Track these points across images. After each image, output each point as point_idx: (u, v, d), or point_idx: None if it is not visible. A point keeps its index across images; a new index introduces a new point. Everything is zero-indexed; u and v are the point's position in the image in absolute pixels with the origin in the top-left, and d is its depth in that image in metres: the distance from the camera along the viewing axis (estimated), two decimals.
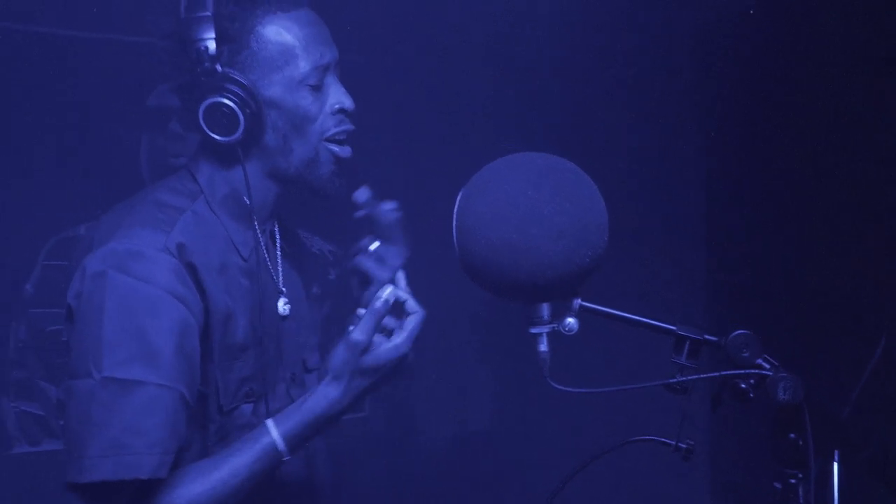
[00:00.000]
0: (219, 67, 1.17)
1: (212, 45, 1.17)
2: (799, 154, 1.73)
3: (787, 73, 1.76)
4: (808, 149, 1.72)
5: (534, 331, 1.07)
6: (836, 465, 1.00)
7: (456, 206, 1.05)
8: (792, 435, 0.94)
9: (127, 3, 2.05)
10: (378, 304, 1.19)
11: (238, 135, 1.19)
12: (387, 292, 1.20)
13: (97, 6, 2.07)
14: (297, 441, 1.20)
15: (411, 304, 1.25)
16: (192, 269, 1.18)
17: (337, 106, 1.27)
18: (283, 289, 1.35)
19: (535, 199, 1.00)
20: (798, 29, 1.69)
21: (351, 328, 1.20)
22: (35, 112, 2.09)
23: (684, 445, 1.04)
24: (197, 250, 1.19)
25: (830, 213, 1.67)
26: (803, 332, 1.61)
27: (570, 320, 1.06)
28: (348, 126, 1.29)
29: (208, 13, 1.17)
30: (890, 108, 1.54)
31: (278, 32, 1.21)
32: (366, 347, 1.19)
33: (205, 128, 1.19)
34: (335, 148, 1.28)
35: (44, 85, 2.08)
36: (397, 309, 1.26)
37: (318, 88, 1.24)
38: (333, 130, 1.27)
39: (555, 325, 1.07)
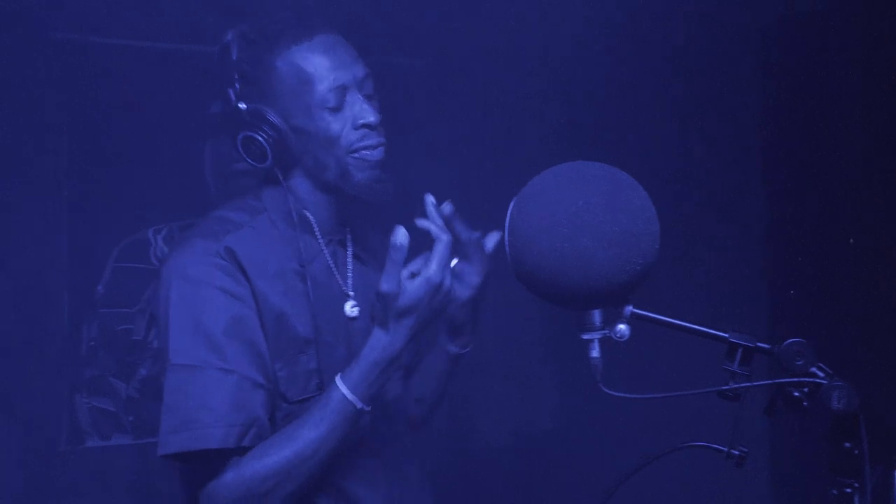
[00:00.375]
0: (243, 105, 1.35)
1: (237, 87, 1.35)
2: (861, 154, 1.70)
3: (849, 73, 1.73)
4: (870, 149, 1.68)
5: (585, 337, 1.08)
6: None
7: (508, 216, 1.07)
8: (847, 444, 0.94)
9: (192, 15, 2.12)
10: (393, 252, 1.25)
11: (269, 162, 1.35)
12: (399, 236, 1.25)
13: (166, 18, 2.14)
14: (364, 389, 1.28)
15: (434, 230, 1.32)
16: (241, 269, 1.32)
17: (360, 122, 1.36)
18: (351, 293, 1.45)
19: (586, 209, 1.01)
20: (862, 29, 1.66)
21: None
22: (106, 120, 2.17)
23: (737, 452, 1.04)
24: (247, 256, 1.33)
25: (892, 216, 1.63)
26: (861, 338, 1.58)
27: (622, 326, 1.07)
28: (373, 139, 1.38)
29: (234, 58, 1.36)
30: None
31: (292, 64, 1.34)
32: (396, 294, 1.26)
33: (244, 156, 1.36)
34: (365, 154, 1.37)
35: (115, 94, 2.16)
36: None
37: (337, 109, 1.35)
38: (357, 144, 1.37)
39: (606, 332, 1.08)
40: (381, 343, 1.28)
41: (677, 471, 1.22)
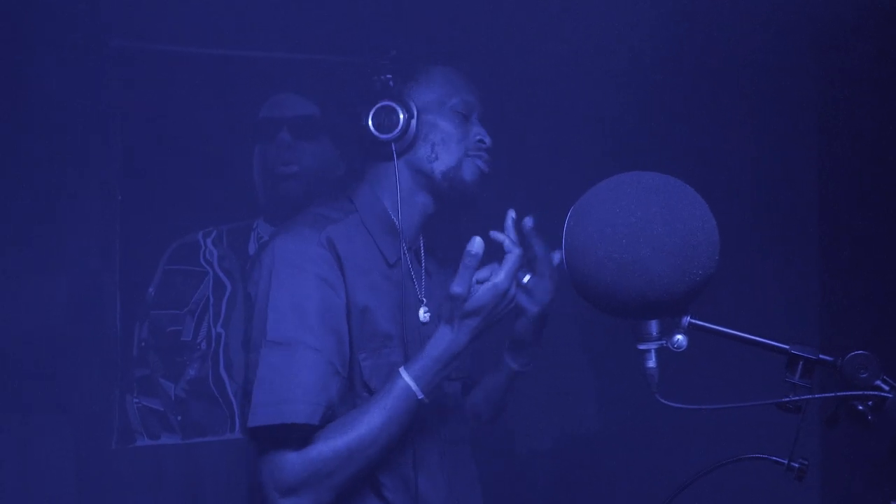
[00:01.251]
0: (391, 83, 1.51)
1: (388, 77, 1.52)
2: None
3: None
4: None
5: (642, 347, 1.08)
6: None
7: (565, 226, 1.08)
8: None
9: (245, 21, 2.15)
10: (468, 259, 1.35)
11: (397, 132, 1.49)
12: (475, 245, 1.35)
13: (219, 24, 2.17)
14: (427, 380, 1.37)
15: (507, 243, 1.47)
16: (338, 259, 1.42)
17: (478, 137, 1.55)
18: (424, 299, 1.55)
19: (644, 219, 1.01)
20: None
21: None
22: (158, 125, 2.21)
23: (797, 465, 1.03)
24: (344, 248, 1.44)
25: None
26: None
27: (679, 337, 1.07)
28: (486, 154, 1.56)
29: (395, 53, 1.53)
30: None
31: (442, 73, 1.56)
32: (465, 296, 1.36)
33: (371, 127, 1.49)
34: (478, 161, 1.54)
35: (166, 99, 2.20)
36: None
37: (465, 118, 1.54)
38: (474, 151, 1.54)
39: (663, 342, 1.08)
40: (445, 340, 1.37)
41: (722, 482, 1.21)
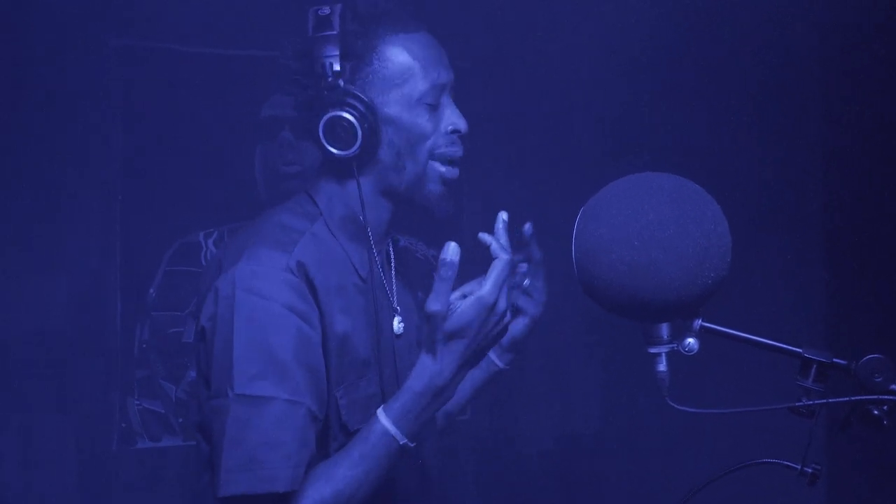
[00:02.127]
0: (341, 83, 1.20)
1: (336, 63, 1.20)
2: None
3: None
4: None
5: (652, 350, 1.07)
6: None
7: (575, 227, 1.06)
8: None
9: (245, 21, 2.13)
10: (443, 269, 1.13)
11: (355, 149, 1.22)
12: (449, 251, 1.14)
13: (220, 24, 2.16)
14: (409, 422, 1.16)
15: (495, 247, 1.20)
16: (311, 287, 1.21)
17: (451, 127, 1.29)
18: (398, 307, 1.36)
19: (656, 221, 1.00)
20: None
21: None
22: (159, 125, 2.20)
23: (810, 470, 1.02)
24: (316, 270, 1.22)
25: None
26: None
27: (691, 340, 1.06)
28: (458, 149, 1.30)
29: (335, 32, 1.21)
30: None
31: (399, 52, 1.25)
32: (445, 314, 1.14)
33: (324, 142, 1.22)
34: (442, 168, 1.29)
35: (168, 99, 2.18)
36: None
37: (434, 108, 1.27)
38: (443, 149, 1.29)
39: (674, 345, 1.06)
40: (427, 371, 1.15)
41: (727, 485, 1.20)
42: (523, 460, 2.46)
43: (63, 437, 2.14)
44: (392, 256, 1.40)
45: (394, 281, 1.38)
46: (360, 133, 1.21)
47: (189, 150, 2.21)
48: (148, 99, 2.19)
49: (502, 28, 2.15)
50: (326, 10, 1.22)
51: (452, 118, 1.29)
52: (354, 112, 1.20)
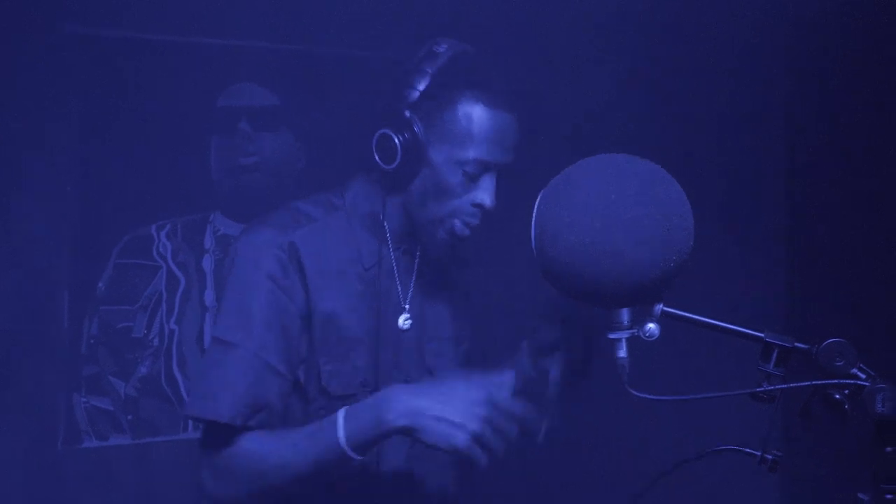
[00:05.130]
0: (407, 113, 1.36)
1: (416, 95, 1.36)
2: (887, 149, 1.66)
3: (877, 66, 1.70)
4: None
5: (612, 336, 1.05)
6: None
7: (535, 209, 1.04)
8: (889, 449, 0.90)
9: (200, 8, 2.09)
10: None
11: (390, 168, 1.38)
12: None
13: (173, 10, 2.10)
14: (365, 440, 1.27)
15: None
16: (299, 266, 1.38)
17: (478, 201, 1.39)
18: (407, 305, 1.48)
19: (618, 202, 0.98)
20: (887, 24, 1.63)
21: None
22: (111, 115, 2.13)
23: (770, 457, 1.00)
24: (309, 253, 1.39)
25: None
26: (886, 339, 1.55)
27: (651, 326, 1.04)
28: (476, 220, 1.42)
29: (431, 71, 1.37)
30: None
31: (469, 117, 1.36)
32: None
33: (372, 147, 1.39)
34: (458, 225, 1.41)
35: (120, 88, 2.12)
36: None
37: (472, 178, 1.38)
38: (464, 216, 1.40)
39: (635, 331, 1.04)
40: (407, 408, 1.25)
41: (686, 473, 1.18)
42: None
43: (6, 436, 2.06)
44: (417, 259, 1.50)
45: (413, 278, 1.49)
46: (398, 158, 1.37)
47: (143, 141, 2.15)
48: (100, 88, 2.13)
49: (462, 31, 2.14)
50: (441, 48, 1.38)
51: (483, 194, 1.39)
52: (403, 139, 1.37)
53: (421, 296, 1.51)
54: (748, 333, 1.00)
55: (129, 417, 2.20)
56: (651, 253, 0.97)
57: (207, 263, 2.28)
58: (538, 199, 1.03)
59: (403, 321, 1.48)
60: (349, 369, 1.41)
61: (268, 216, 1.45)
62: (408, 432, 1.25)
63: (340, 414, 1.28)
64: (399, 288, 1.49)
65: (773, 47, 1.99)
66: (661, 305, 1.03)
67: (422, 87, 1.36)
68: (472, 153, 1.36)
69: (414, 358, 1.49)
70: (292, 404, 1.40)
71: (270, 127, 2.26)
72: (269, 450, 1.32)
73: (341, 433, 1.26)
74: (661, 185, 1.00)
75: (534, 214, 1.02)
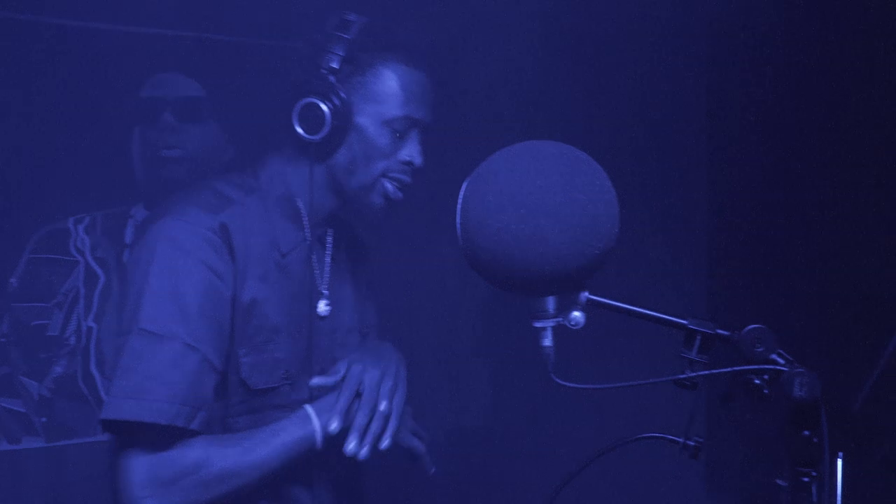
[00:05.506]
0: (332, 79, 1.35)
1: (336, 62, 1.35)
2: (806, 144, 1.71)
3: (794, 65, 1.74)
4: (816, 138, 1.69)
5: (538, 325, 1.04)
6: (839, 462, 0.97)
7: (460, 195, 1.02)
8: (806, 432, 0.91)
9: None
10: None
11: (318, 137, 1.34)
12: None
13: None
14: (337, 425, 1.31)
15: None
16: (230, 249, 1.31)
17: (407, 158, 1.41)
18: (326, 291, 1.45)
19: (543, 188, 0.97)
20: (807, 22, 1.67)
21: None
22: (26, 104, 2.05)
23: (692, 443, 1.01)
24: (238, 235, 1.32)
25: (842, 202, 1.64)
26: (811, 326, 1.59)
27: (577, 314, 1.03)
28: (408, 178, 1.43)
29: (348, 37, 1.36)
30: None
31: (392, 77, 1.38)
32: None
33: (295, 121, 1.34)
34: (390, 187, 1.41)
35: (35, 76, 2.04)
36: None
37: (400, 136, 1.39)
38: (394, 173, 1.41)
39: (560, 319, 1.04)
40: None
41: (614, 464, 1.19)
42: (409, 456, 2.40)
43: None
44: (329, 244, 1.48)
45: (327, 267, 1.46)
46: (327, 126, 1.34)
47: (61, 130, 2.07)
48: (17, 75, 2.04)
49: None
50: (352, 17, 1.38)
51: (412, 151, 1.42)
52: (331, 106, 1.34)
53: (334, 283, 1.48)
54: (672, 321, 1.00)
55: (43, 420, 2.11)
56: (576, 240, 0.96)
57: (128, 258, 2.20)
58: (463, 186, 1.02)
59: (323, 307, 1.44)
60: (270, 361, 1.35)
61: (188, 196, 1.35)
62: None
63: (310, 410, 1.32)
64: (316, 274, 1.45)
65: (694, 42, 2.03)
66: (587, 294, 1.03)
67: (340, 52, 1.35)
68: (399, 111, 1.37)
69: (325, 347, 1.44)
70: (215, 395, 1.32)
71: (195, 118, 2.20)
72: (237, 451, 1.26)
73: (317, 426, 1.30)
74: (586, 172, 1.00)
75: (459, 202, 1.01)
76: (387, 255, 1.56)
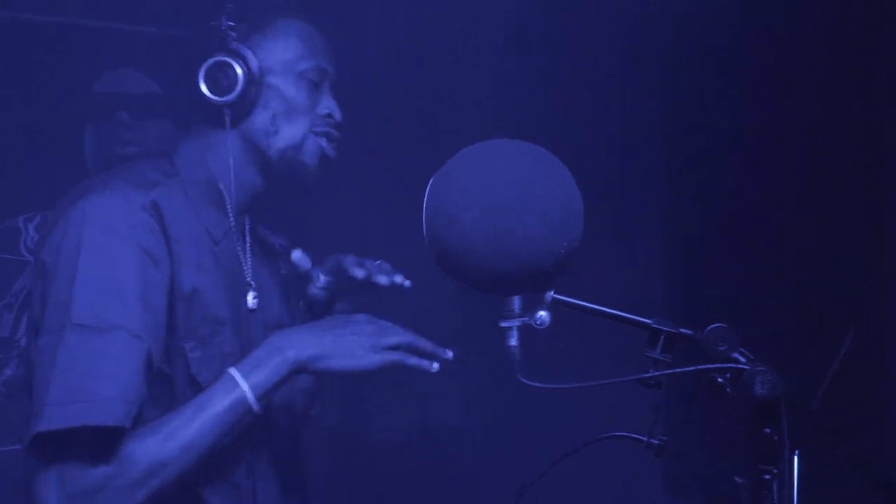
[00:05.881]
0: (234, 34, 1.27)
1: (231, 20, 1.28)
2: (760, 144, 1.74)
3: (751, 65, 1.76)
4: (769, 139, 1.72)
5: (504, 324, 1.04)
6: (796, 459, 0.99)
7: (426, 195, 1.01)
8: (767, 430, 0.92)
9: None
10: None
11: (233, 95, 1.26)
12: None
13: None
14: (267, 390, 1.19)
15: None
16: (164, 231, 1.20)
17: (327, 111, 1.35)
18: (252, 282, 1.36)
19: (508, 185, 0.97)
20: (763, 25, 1.70)
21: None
22: None
23: (657, 441, 1.02)
24: (170, 216, 1.21)
25: (796, 203, 1.67)
26: (768, 326, 1.61)
27: (542, 313, 1.03)
28: (336, 133, 1.37)
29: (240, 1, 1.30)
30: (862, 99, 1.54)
31: (293, 30, 1.33)
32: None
33: (202, 84, 1.25)
34: (323, 143, 1.35)
35: None
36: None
37: (315, 87, 1.33)
38: (321, 128, 1.34)
39: (526, 319, 1.03)
40: (307, 340, 1.22)
41: (576, 463, 1.19)
42: (375, 455, 2.39)
43: None
44: (247, 232, 1.39)
45: (248, 257, 1.37)
46: (240, 85, 1.25)
47: (10, 126, 2.01)
48: None
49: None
50: None
51: (330, 104, 1.36)
52: (239, 61, 1.26)
53: (258, 267, 1.41)
54: (635, 320, 1.01)
55: None
56: (542, 236, 0.96)
57: None
58: (429, 184, 1.01)
59: (252, 300, 1.35)
60: (218, 355, 1.24)
61: (109, 176, 1.23)
62: (313, 363, 1.20)
63: (234, 371, 1.17)
64: (243, 264, 1.36)
65: (650, 47, 2.05)
66: (553, 293, 1.03)
67: (235, 14, 1.30)
68: (310, 62, 1.33)
69: (260, 339, 1.29)
70: (159, 397, 1.19)
71: (150, 116, 2.16)
72: (160, 439, 1.10)
73: (245, 387, 1.15)
74: (550, 168, 0.99)
75: (425, 199, 1.00)
76: (360, 252, 1.52)
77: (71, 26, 2.08)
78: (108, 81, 2.12)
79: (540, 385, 1.03)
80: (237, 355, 1.25)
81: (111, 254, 1.14)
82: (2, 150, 2.00)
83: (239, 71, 1.26)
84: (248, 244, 1.39)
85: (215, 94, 1.26)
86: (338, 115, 1.36)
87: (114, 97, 2.11)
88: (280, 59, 1.32)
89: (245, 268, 1.36)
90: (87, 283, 1.11)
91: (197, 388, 1.21)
